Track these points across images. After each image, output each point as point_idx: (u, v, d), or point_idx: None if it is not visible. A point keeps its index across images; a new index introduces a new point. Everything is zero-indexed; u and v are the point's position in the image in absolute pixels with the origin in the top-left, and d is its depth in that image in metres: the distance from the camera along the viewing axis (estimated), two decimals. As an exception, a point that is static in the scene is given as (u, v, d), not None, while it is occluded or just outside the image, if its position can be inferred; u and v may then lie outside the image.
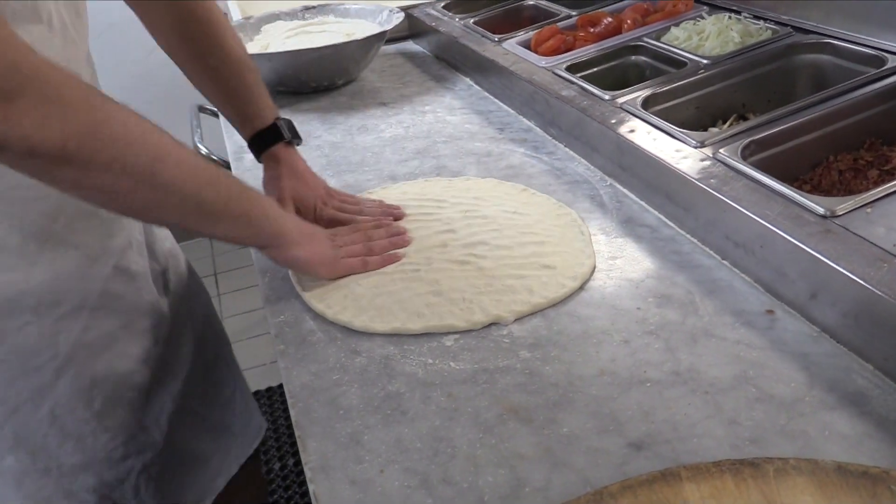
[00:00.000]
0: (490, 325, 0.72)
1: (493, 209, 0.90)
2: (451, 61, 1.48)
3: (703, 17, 1.21)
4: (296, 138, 0.95)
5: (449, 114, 1.25)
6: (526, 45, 1.30)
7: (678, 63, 1.11)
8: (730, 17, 1.18)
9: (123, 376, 0.86)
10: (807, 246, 0.66)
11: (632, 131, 0.92)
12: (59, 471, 0.84)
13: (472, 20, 1.49)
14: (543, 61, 1.19)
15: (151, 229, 0.96)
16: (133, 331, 0.86)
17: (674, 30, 1.20)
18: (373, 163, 1.10)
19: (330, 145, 1.18)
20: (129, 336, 0.86)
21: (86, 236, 0.80)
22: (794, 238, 0.67)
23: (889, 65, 0.92)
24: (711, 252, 0.79)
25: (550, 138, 1.11)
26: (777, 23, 1.13)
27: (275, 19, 1.54)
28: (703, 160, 0.82)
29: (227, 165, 1.16)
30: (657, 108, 0.98)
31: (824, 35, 1.05)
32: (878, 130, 0.89)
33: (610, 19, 1.31)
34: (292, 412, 0.65)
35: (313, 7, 1.56)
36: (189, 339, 0.98)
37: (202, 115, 1.45)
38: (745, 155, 0.82)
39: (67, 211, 0.77)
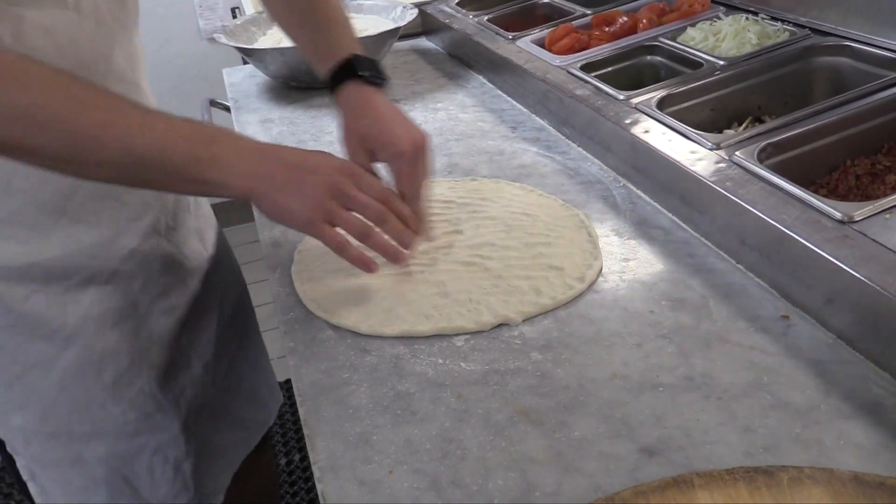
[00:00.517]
0: (500, 326, 0.72)
1: (500, 210, 0.90)
2: (465, 59, 1.48)
3: (719, 18, 1.20)
4: (376, 77, 0.81)
5: (461, 111, 1.25)
6: (540, 43, 1.29)
7: (694, 64, 1.10)
8: (747, 18, 1.16)
9: (139, 353, 0.86)
10: (824, 251, 0.65)
11: (646, 132, 0.91)
12: (69, 436, 0.85)
13: (485, 17, 1.48)
14: (557, 60, 1.18)
15: (184, 213, 0.93)
16: (149, 312, 0.87)
17: (690, 30, 1.19)
18: (384, 160, 1.10)
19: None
20: (144, 316, 0.86)
21: (102, 216, 0.80)
22: (810, 243, 0.66)
23: (909, 68, 0.91)
24: (726, 255, 0.79)
25: (564, 138, 1.10)
26: (795, 24, 1.11)
27: (288, 14, 1.53)
28: (718, 162, 0.81)
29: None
30: (672, 109, 0.97)
31: (843, 37, 1.04)
32: (897, 135, 0.87)
33: (625, 18, 1.29)
34: (301, 411, 0.65)
35: (327, 2, 1.56)
36: (212, 326, 0.97)
37: (213, 108, 1.45)
38: (762, 158, 0.81)
39: (83, 190, 0.77)
